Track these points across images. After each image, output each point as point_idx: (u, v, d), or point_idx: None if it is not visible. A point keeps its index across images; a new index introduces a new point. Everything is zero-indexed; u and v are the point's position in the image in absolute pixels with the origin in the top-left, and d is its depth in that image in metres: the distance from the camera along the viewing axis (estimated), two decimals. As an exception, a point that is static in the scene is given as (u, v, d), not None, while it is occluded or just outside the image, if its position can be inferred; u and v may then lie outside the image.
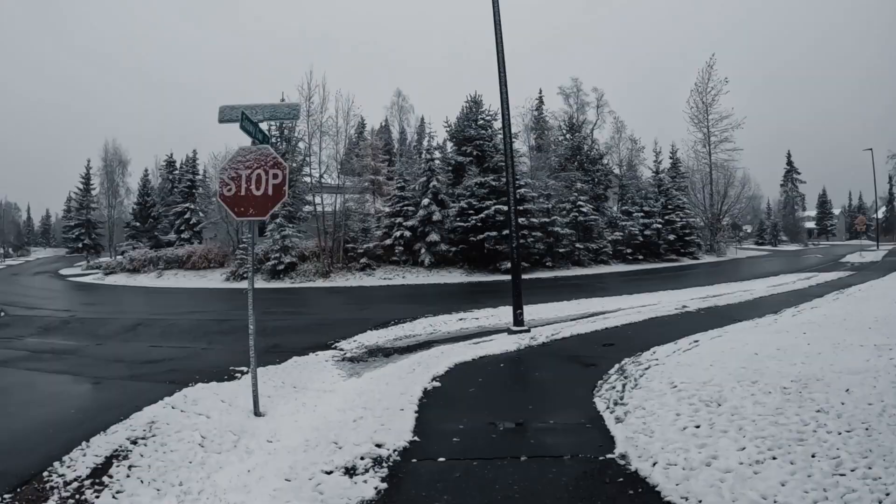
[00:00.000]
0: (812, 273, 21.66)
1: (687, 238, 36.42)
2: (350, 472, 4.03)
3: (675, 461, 3.78)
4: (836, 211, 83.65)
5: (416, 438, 4.66)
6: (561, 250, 29.08)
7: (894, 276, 16.81)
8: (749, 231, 65.70)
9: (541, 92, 42.38)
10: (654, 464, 3.82)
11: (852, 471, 3.27)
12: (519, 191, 27.17)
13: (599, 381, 6.31)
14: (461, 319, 12.02)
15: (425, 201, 26.98)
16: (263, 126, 6.10)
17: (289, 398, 5.95)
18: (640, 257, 33.45)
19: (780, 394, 4.91)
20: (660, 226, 34.69)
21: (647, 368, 6.50)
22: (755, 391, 5.09)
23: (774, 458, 3.58)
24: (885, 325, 7.96)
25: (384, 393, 6.00)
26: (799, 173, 71.74)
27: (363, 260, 26.84)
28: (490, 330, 10.46)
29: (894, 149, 55.72)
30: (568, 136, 38.69)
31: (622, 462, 4.04)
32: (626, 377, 6.29)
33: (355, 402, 5.68)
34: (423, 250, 26.77)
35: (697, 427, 4.36)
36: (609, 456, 4.17)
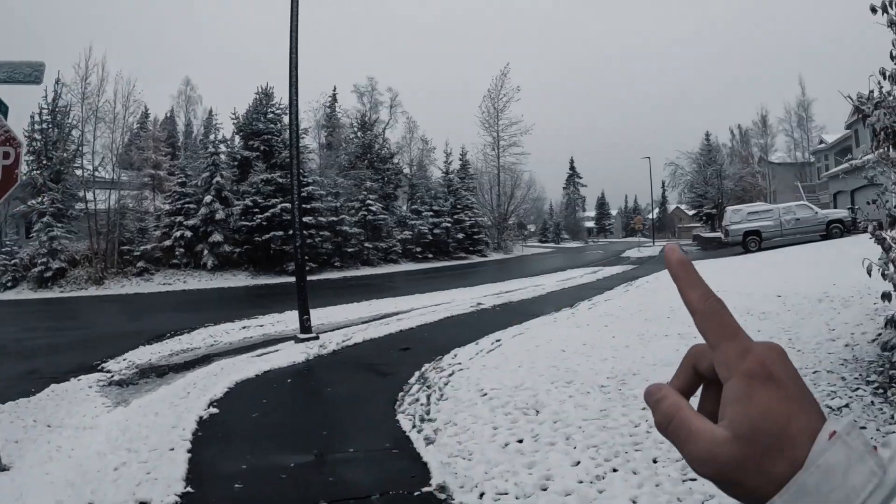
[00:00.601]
0: (597, 267, 24.59)
1: (475, 236, 39.23)
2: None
3: (505, 488, 3.40)
4: (614, 212, 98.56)
5: (189, 489, 4.00)
6: (350, 250, 29.72)
7: (699, 265, 19.41)
8: (532, 230, 73.31)
9: (335, 89, 42.08)
10: (482, 495, 3.39)
11: (702, 473, 3.16)
12: (306, 188, 26.70)
13: (401, 394, 5.82)
14: (245, 328, 11.15)
15: (208, 198, 25.81)
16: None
17: (41, 441, 5.11)
18: (430, 256, 35.05)
19: (599, 393, 4.93)
20: (449, 225, 36.78)
21: (450, 375, 6.22)
22: (573, 392, 5.06)
23: (615, 471, 3.42)
24: (681, 315, 8.89)
25: (153, 426, 5.32)
26: (581, 177, 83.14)
27: (140, 264, 25.18)
28: (276, 338, 9.92)
29: (668, 158, 66.73)
30: (359, 133, 39.30)
31: (443, 496, 3.53)
32: (429, 387, 5.91)
33: (119, 442, 4.98)
34: (205, 252, 25.69)
35: (520, 442, 4.09)
36: (426, 489, 3.65)
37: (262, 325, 11.33)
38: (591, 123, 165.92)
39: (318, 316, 10.98)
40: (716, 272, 15.22)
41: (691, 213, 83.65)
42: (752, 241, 22.77)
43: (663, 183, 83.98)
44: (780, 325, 7.68)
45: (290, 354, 8.03)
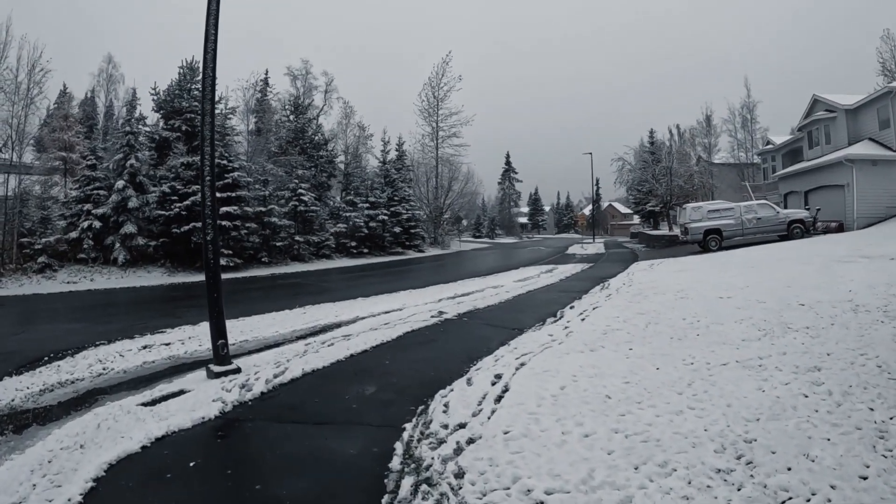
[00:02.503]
0: (550, 266, 22.86)
1: (412, 231, 37.08)
2: None
3: None
4: (547, 208, 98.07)
5: None
6: (279, 244, 26.89)
7: (645, 268, 17.97)
8: (465, 224, 71.87)
9: (267, 73, 38.50)
10: None
11: None
12: (231, 174, 24.02)
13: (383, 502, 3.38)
14: (146, 347, 8.42)
15: (120, 184, 22.44)
16: None
17: None
18: (366, 251, 32.53)
19: (723, 486, 2.73)
20: (386, 217, 34.38)
21: (458, 453, 3.89)
22: (682, 488, 2.82)
23: None
24: (706, 329, 6.90)
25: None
26: (516, 172, 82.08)
27: (42, 258, 21.35)
28: (185, 363, 7.56)
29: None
30: (291, 117, 36.03)
31: None
32: (430, 484, 3.50)
33: None
34: (116, 245, 22.32)
35: None
36: None
37: (168, 344, 8.55)
38: (527, 120, 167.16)
39: (242, 329, 9.34)
40: (684, 270, 13.79)
41: (625, 210, 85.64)
42: (712, 240, 21.55)
43: (597, 180, 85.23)
44: (843, 344, 5.90)
45: (199, 401, 5.35)
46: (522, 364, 6.25)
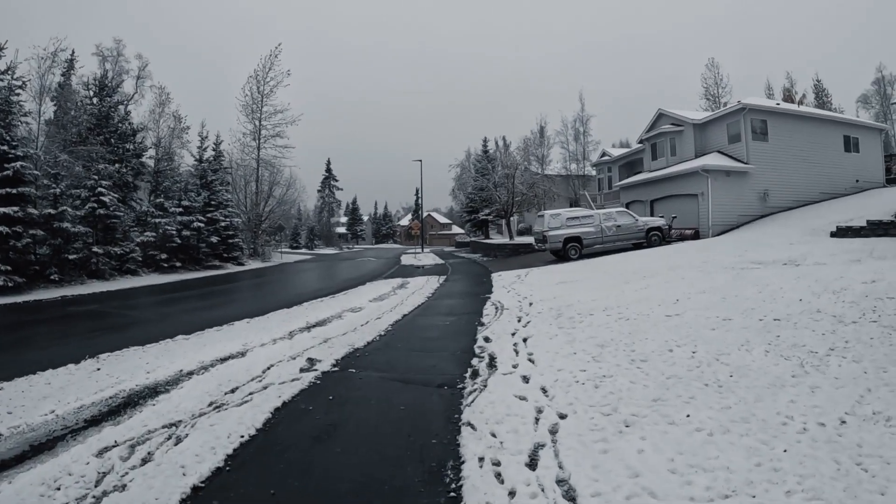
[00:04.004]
0: (399, 280, 19.87)
1: (231, 241, 31.67)
2: None
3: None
4: (365, 217, 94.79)
5: None
6: (73, 256, 20.34)
7: (514, 279, 15.83)
8: (284, 234, 66.83)
9: (73, 53, 30.16)
10: None
11: None
12: (13, 164, 18.14)
13: None
14: None
15: None
16: None
17: None
18: (178, 264, 26.77)
19: None
20: (201, 225, 28.76)
21: None
22: None
23: None
24: (733, 363, 4.54)
25: None
26: (337, 180, 78.15)
27: None
28: None
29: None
30: (95, 100, 28.68)
31: None
32: None
33: None
34: None
35: None
36: None
37: None
38: (346, 126, 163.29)
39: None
40: (574, 281, 11.78)
41: (443, 220, 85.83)
42: (572, 249, 20.30)
43: (417, 190, 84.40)
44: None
45: None
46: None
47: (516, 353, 6.82)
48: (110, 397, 5.88)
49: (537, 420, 4.42)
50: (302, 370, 6.63)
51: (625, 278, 12.53)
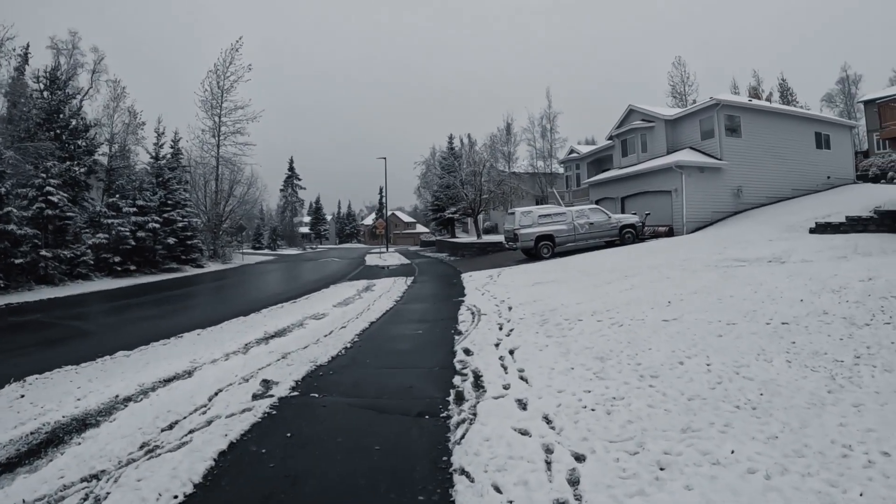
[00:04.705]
0: (364, 282, 18.72)
1: (189, 242, 30.05)
2: None
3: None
4: (329, 216, 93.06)
5: None
6: (18, 261, 18.49)
7: (487, 281, 15.00)
8: (245, 234, 64.94)
9: (28, 46, 28.14)
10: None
11: None
12: None
13: None
14: None
15: None
16: None
17: None
18: (133, 268, 25.04)
19: None
20: (157, 226, 27.11)
21: None
22: None
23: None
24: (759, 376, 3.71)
25: None
26: (300, 179, 76.23)
27: None
28: None
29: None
30: (46, 93, 26.75)
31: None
32: None
33: None
34: None
35: None
36: None
37: None
38: (309, 123, 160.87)
39: None
40: (554, 282, 11.11)
41: (407, 219, 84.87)
42: (544, 247, 19.56)
43: (381, 189, 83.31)
44: None
45: None
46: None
47: (504, 369, 5.95)
48: (31, 433, 4.86)
49: (549, 464, 3.55)
50: (255, 396, 5.61)
51: (605, 278, 11.85)
